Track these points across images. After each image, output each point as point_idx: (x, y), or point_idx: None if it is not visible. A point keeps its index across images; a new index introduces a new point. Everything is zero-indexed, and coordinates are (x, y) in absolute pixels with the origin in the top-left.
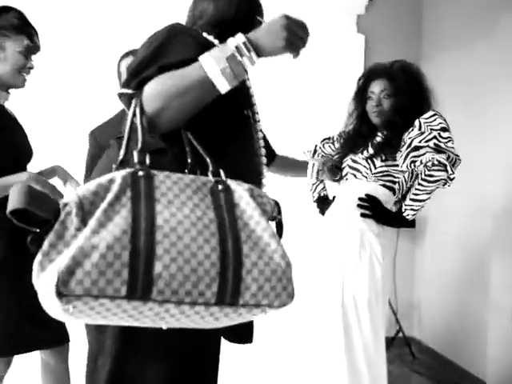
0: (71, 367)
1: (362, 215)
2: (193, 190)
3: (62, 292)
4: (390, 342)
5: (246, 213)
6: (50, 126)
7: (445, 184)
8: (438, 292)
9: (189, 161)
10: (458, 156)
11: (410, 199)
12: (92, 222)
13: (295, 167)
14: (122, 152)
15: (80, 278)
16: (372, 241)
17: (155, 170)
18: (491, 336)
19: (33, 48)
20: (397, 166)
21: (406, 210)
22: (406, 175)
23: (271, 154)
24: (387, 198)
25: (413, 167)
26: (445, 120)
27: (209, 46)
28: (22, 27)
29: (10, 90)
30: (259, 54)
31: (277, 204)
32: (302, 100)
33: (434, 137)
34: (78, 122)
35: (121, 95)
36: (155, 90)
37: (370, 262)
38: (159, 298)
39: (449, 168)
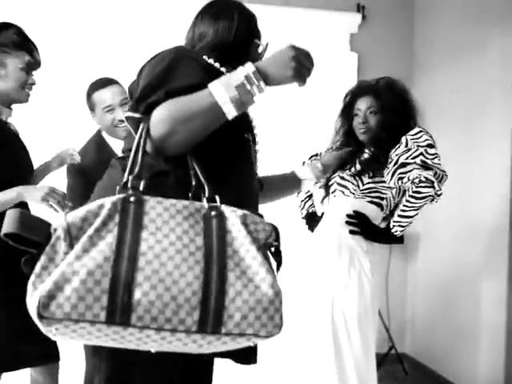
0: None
1: (351, 232)
2: (184, 216)
3: (43, 315)
4: (383, 359)
5: (236, 240)
6: (50, 141)
7: (432, 200)
8: (431, 309)
9: (193, 183)
10: (444, 172)
11: (398, 215)
12: (76, 248)
13: (286, 181)
14: (126, 175)
15: (60, 302)
16: (361, 257)
17: (156, 192)
18: (483, 352)
19: (33, 64)
20: (384, 182)
21: (394, 226)
22: (394, 191)
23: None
24: (375, 215)
25: (400, 184)
26: (431, 137)
27: (212, 70)
28: (22, 43)
29: (12, 106)
30: (267, 83)
31: (275, 230)
32: (295, 117)
33: (421, 153)
34: (79, 135)
35: (128, 119)
36: (163, 115)
37: (359, 278)
38: (139, 324)
39: (436, 184)
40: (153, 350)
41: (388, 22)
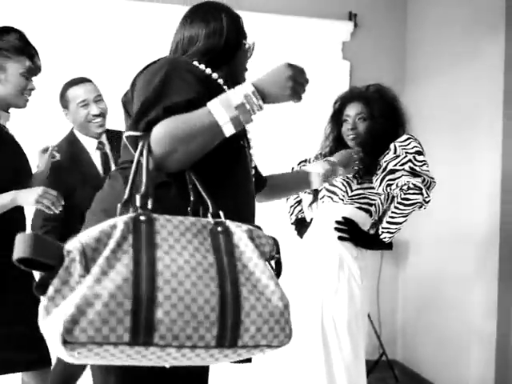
0: None
1: (340, 238)
2: (193, 233)
3: (67, 340)
4: (374, 366)
5: (244, 254)
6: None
7: (421, 207)
8: (422, 316)
9: (191, 199)
10: (432, 179)
11: (387, 222)
12: (95, 270)
13: (295, 178)
14: (127, 192)
15: (84, 326)
16: (350, 263)
17: (159, 204)
18: (473, 360)
19: (34, 69)
20: (372, 188)
21: (383, 232)
22: (382, 197)
23: (262, 180)
24: (364, 221)
25: (389, 190)
26: (419, 143)
27: (207, 80)
28: (23, 48)
29: (10, 110)
30: (265, 102)
31: (275, 242)
32: (286, 125)
33: (409, 160)
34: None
35: (127, 138)
36: (163, 134)
37: (348, 284)
38: (161, 343)
39: (424, 191)
40: (167, 366)
41: (380, 30)
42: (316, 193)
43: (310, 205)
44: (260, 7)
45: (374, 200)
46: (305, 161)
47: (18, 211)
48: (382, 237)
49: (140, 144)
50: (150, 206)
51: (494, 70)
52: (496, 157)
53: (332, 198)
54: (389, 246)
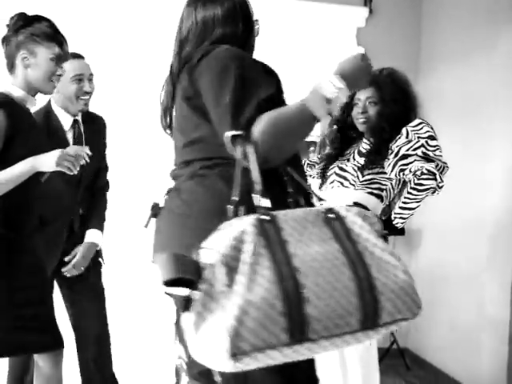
0: (64, 374)
1: None
2: (311, 223)
3: (235, 352)
4: (385, 354)
5: (361, 236)
6: None
7: (434, 192)
8: (433, 304)
9: (290, 190)
10: (445, 164)
11: (400, 207)
12: (241, 279)
13: None
14: (237, 192)
15: (246, 336)
16: None
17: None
18: (485, 348)
19: (62, 56)
20: (384, 173)
21: (395, 218)
22: (394, 182)
23: None
24: (375, 206)
25: (401, 176)
26: (432, 128)
27: (264, 68)
28: (53, 35)
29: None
30: (349, 91)
31: (379, 219)
32: None
33: (422, 145)
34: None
35: (233, 138)
36: (267, 131)
37: None
38: (314, 337)
39: (438, 176)
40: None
41: (395, 16)
42: (324, 176)
43: (320, 187)
44: None
45: (385, 185)
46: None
47: (23, 196)
48: (394, 222)
49: (243, 145)
50: (268, 204)
51: (510, 57)
52: (510, 145)
53: (342, 183)
54: (401, 232)
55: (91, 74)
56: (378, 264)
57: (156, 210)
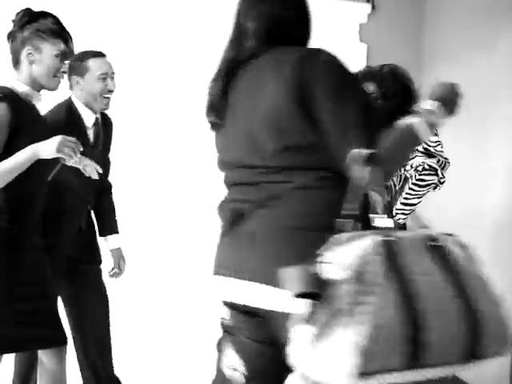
0: (68, 369)
1: None
2: (417, 248)
3: (364, 372)
4: None
5: (463, 266)
6: None
7: (435, 188)
8: None
9: (387, 200)
10: (447, 159)
11: (401, 203)
12: (373, 299)
13: None
14: (352, 208)
15: (376, 356)
16: None
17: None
18: None
19: (67, 53)
20: None
21: (397, 214)
22: (395, 178)
23: None
24: (377, 202)
25: (403, 171)
26: None
27: None
28: (59, 32)
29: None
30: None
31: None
32: None
33: None
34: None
35: (357, 156)
36: (387, 157)
37: None
38: (431, 362)
39: (439, 172)
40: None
41: (398, 12)
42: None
43: None
44: None
45: None
46: None
47: (26, 190)
48: (395, 218)
49: (373, 170)
50: (386, 224)
51: (510, 57)
52: (510, 144)
53: None
54: (403, 228)
55: (113, 73)
56: (479, 293)
57: (239, 218)
